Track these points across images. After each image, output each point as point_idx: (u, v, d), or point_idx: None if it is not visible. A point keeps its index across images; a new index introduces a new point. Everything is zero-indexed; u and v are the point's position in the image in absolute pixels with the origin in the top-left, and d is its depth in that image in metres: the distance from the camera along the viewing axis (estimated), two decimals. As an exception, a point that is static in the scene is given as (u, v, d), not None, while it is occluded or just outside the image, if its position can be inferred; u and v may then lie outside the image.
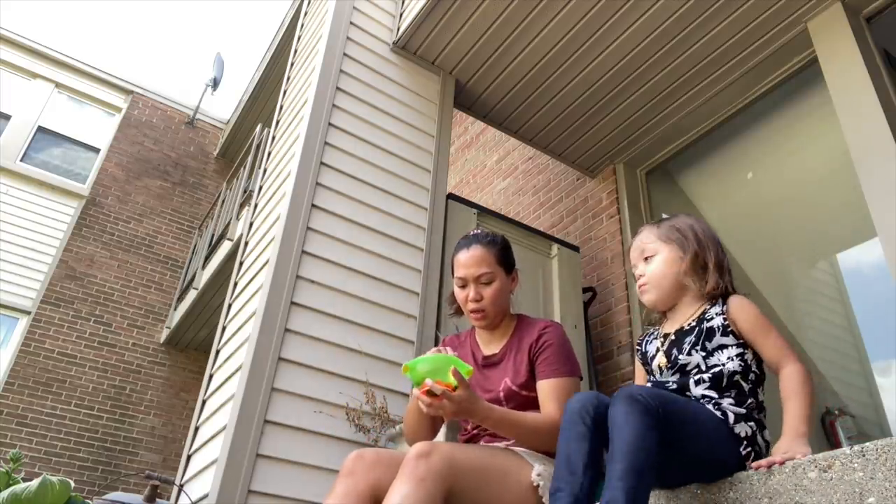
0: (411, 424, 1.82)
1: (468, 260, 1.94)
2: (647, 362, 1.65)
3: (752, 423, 1.38)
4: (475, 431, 1.83)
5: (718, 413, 1.37)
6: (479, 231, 2.08)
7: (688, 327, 1.56)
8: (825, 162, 3.26)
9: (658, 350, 1.60)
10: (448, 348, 1.69)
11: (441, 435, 1.96)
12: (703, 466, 1.32)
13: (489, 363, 1.91)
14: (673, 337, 1.57)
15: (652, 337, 1.67)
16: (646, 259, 1.65)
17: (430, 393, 1.54)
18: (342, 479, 1.56)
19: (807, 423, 1.32)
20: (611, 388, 3.41)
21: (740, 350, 1.46)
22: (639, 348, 1.70)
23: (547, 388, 1.76)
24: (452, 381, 1.56)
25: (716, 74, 3.33)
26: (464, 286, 1.93)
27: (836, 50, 2.83)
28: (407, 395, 2.64)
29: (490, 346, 1.94)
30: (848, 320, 3.13)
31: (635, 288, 1.73)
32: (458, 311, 2.03)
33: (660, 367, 1.56)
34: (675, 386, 1.47)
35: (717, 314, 1.52)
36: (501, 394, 1.82)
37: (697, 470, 1.33)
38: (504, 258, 1.99)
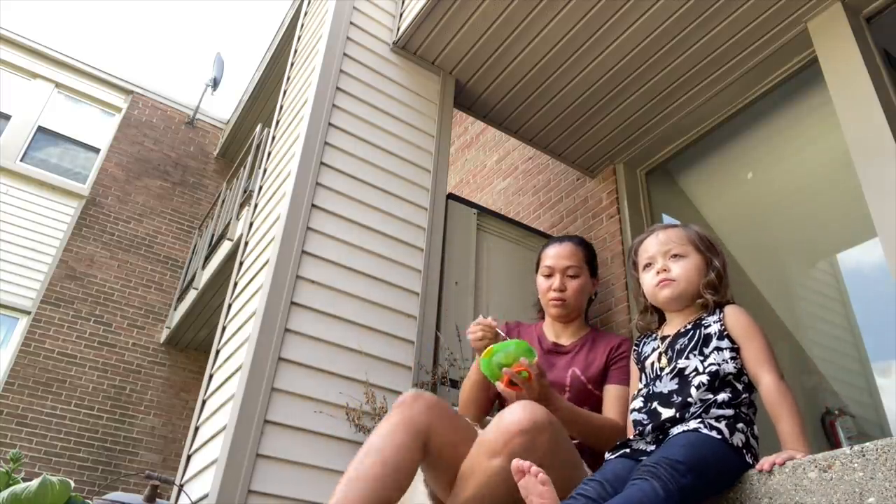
0: (467, 399, 1.89)
1: (560, 251, 2.05)
2: (638, 361, 1.66)
3: (741, 425, 1.38)
4: None
5: (714, 433, 1.35)
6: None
7: (683, 330, 1.58)
8: (825, 162, 3.26)
9: (654, 350, 1.62)
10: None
11: None
12: (720, 490, 1.33)
13: (555, 351, 1.97)
14: (670, 339, 1.59)
15: (649, 339, 1.69)
16: (673, 256, 1.64)
17: (512, 382, 1.61)
18: (399, 409, 1.54)
19: (803, 438, 1.33)
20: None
21: (734, 354, 1.48)
22: (635, 349, 1.71)
23: (615, 394, 1.86)
24: (531, 363, 1.63)
25: (716, 74, 3.33)
26: (550, 275, 2.03)
27: (836, 50, 2.83)
28: (407, 395, 2.64)
29: (560, 337, 2.01)
30: (848, 320, 3.13)
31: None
32: (540, 307, 2.12)
33: (653, 366, 1.58)
34: (678, 399, 1.46)
35: (714, 321, 1.55)
36: (567, 380, 1.88)
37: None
38: (590, 260, 2.10)
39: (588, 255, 2.10)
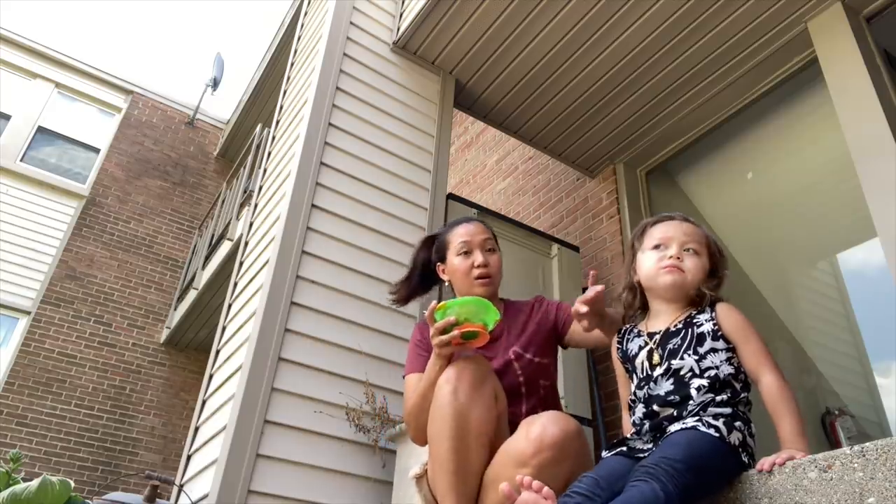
0: (423, 404, 1.70)
1: (474, 228, 1.97)
2: (627, 360, 1.63)
3: (738, 424, 1.38)
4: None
5: (712, 430, 1.34)
6: None
7: (674, 329, 1.55)
8: (825, 162, 3.26)
9: (641, 349, 1.58)
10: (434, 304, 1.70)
11: None
12: (715, 489, 1.33)
13: (492, 338, 1.83)
14: (659, 337, 1.56)
15: (633, 335, 1.64)
16: (688, 250, 1.61)
17: (465, 336, 1.58)
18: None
19: (803, 438, 1.33)
20: (610, 388, 3.41)
21: (730, 354, 1.48)
22: (619, 346, 1.67)
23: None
24: (486, 321, 1.59)
25: (716, 74, 3.33)
26: (468, 252, 1.93)
27: (836, 50, 2.83)
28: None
29: None
30: (848, 320, 3.13)
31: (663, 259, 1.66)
32: (404, 299, 2.08)
33: (643, 365, 1.55)
34: (676, 398, 1.45)
35: (706, 320, 1.52)
36: (512, 356, 1.81)
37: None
38: (496, 239, 2.04)
39: (493, 234, 2.02)
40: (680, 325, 1.55)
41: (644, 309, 1.68)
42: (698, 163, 3.89)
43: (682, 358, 1.49)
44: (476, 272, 1.91)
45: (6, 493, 1.50)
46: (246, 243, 3.22)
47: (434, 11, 3.24)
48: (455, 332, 1.59)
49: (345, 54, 3.25)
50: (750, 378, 1.47)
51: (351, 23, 3.36)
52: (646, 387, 1.52)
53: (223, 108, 9.17)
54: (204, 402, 2.75)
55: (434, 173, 3.26)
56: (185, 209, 8.28)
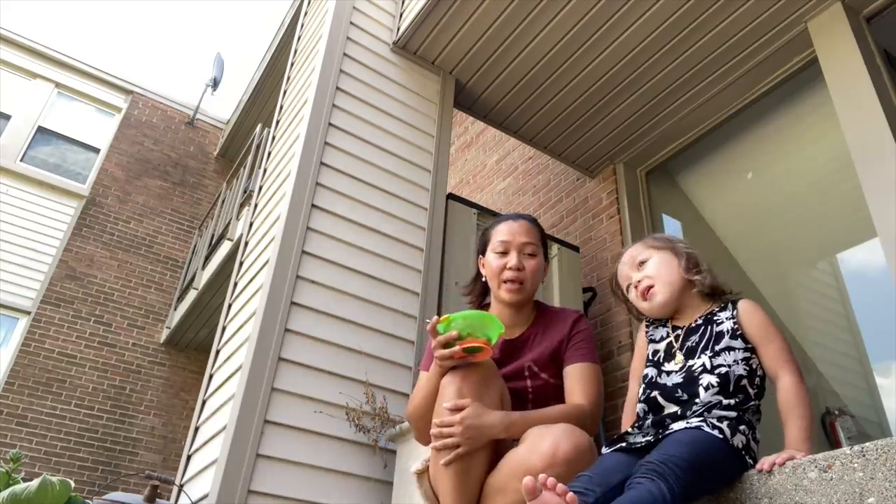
0: (422, 411, 1.71)
1: (517, 227, 1.88)
2: (652, 342, 1.65)
3: (743, 427, 1.37)
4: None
5: (716, 432, 1.34)
6: None
7: (694, 325, 1.57)
8: (825, 162, 3.26)
9: (662, 339, 1.61)
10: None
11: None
12: (715, 489, 1.33)
13: (511, 347, 1.84)
14: (682, 333, 1.58)
15: (660, 323, 1.67)
16: (640, 265, 1.67)
17: (467, 350, 1.57)
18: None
19: (808, 441, 1.32)
20: (610, 388, 3.41)
21: (747, 355, 1.47)
22: (647, 331, 1.70)
23: (577, 374, 1.75)
24: (490, 336, 1.58)
25: (716, 74, 3.33)
26: (505, 252, 1.85)
27: (836, 50, 2.83)
28: (407, 395, 2.64)
29: (512, 330, 1.86)
30: (848, 320, 3.13)
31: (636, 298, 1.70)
32: (476, 294, 1.97)
33: (657, 354, 1.58)
34: (683, 396, 1.46)
35: (726, 318, 1.53)
36: (526, 371, 1.79)
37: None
38: (544, 242, 1.95)
39: (542, 235, 1.93)
40: (700, 322, 1.57)
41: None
42: (698, 163, 3.89)
43: (698, 356, 1.50)
44: (506, 274, 1.82)
45: (6, 493, 1.50)
46: (246, 243, 3.23)
47: (434, 11, 3.24)
48: (457, 348, 1.57)
49: (345, 54, 3.25)
50: (769, 378, 1.46)
51: (351, 23, 3.36)
52: (656, 375, 1.54)
53: (223, 108, 9.19)
54: (204, 402, 2.75)
55: (434, 173, 3.26)
56: (185, 209, 8.28)
